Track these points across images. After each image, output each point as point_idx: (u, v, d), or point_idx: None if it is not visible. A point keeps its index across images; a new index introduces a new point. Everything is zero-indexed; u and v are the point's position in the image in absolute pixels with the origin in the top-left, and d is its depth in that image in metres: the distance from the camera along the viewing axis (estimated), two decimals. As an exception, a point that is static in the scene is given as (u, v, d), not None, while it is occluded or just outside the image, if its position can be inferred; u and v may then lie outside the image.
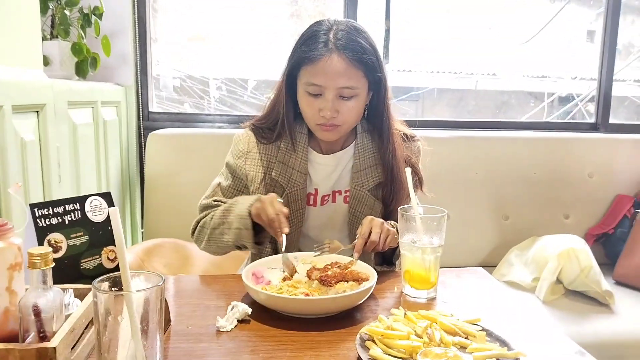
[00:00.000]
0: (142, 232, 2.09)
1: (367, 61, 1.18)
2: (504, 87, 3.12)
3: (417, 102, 3.07)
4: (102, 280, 0.64)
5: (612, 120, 2.54)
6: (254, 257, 1.30)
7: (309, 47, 1.18)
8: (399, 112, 1.38)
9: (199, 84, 2.56)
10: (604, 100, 2.53)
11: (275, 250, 1.25)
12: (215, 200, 1.32)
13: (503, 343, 0.78)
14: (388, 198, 1.30)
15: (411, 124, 1.38)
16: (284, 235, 1.11)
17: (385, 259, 1.32)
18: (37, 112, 1.29)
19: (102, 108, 1.80)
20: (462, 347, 0.76)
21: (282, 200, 1.18)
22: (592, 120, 2.58)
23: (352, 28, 1.20)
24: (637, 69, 2.97)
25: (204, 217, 1.30)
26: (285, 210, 1.14)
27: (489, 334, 0.81)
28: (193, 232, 1.33)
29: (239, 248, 1.25)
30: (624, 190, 2.30)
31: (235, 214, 1.20)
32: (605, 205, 2.30)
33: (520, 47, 2.85)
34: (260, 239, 1.22)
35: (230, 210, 1.22)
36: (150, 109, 2.26)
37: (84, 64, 1.81)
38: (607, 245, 2.24)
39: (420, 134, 1.40)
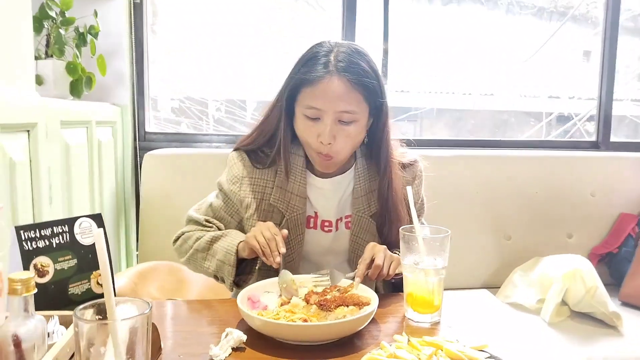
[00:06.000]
0: (137, 255, 2.05)
1: (368, 85, 1.14)
2: (502, 106, 3.12)
3: (415, 122, 3.06)
4: (86, 308, 0.60)
5: (613, 139, 2.53)
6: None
7: (308, 68, 1.14)
8: (398, 132, 1.35)
9: (197, 104, 2.55)
10: (605, 118, 2.52)
11: (267, 275, 1.20)
12: (206, 220, 1.29)
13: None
14: (383, 229, 1.25)
15: (410, 143, 1.35)
16: (281, 256, 1.07)
17: (396, 289, 1.28)
18: (28, 131, 1.26)
19: (97, 128, 1.77)
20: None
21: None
22: (593, 138, 2.57)
23: (353, 51, 1.16)
24: (634, 89, 2.97)
25: (190, 231, 1.29)
26: (284, 232, 1.12)
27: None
28: (175, 241, 1.32)
29: (217, 278, 1.24)
30: (627, 208, 2.27)
31: (222, 245, 1.19)
32: (608, 224, 2.28)
33: (518, 66, 2.85)
34: (240, 279, 1.22)
35: (218, 239, 1.21)
36: (146, 129, 2.24)
37: (79, 84, 1.79)
38: (611, 265, 2.20)
39: (419, 153, 1.37)
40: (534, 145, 2.51)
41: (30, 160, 1.26)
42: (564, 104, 2.96)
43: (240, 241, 1.17)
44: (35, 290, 0.68)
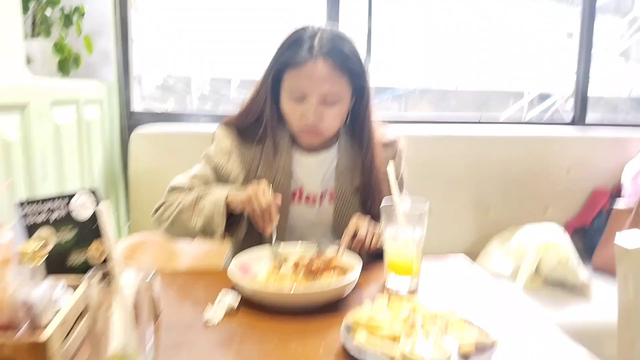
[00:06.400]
0: (128, 231, 2.09)
1: (351, 68, 1.20)
2: (484, 87, 3.18)
3: (399, 101, 3.12)
4: (94, 274, 0.65)
5: (588, 118, 2.61)
6: (236, 250, 1.31)
7: (293, 51, 1.19)
8: (382, 111, 1.40)
9: (181, 82, 2.57)
10: (582, 97, 2.59)
11: (258, 242, 1.25)
12: (189, 188, 1.29)
13: (482, 330, 0.81)
14: (366, 203, 1.31)
15: (392, 122, 1.40)
16: (274, 227, 1.12)
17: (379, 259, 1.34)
18: (21, 110, 1.29)
19: (85, 107, 1.80)
20: (443, 334, 0.79)
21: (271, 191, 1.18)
22: (570, 117, 2.65)
23: (336, 35, 1.21)
24: (610, 68, 3.05)
25: (170, 199, 1.28)
26: (278, 201, 1.14)
27: (468, 321, 0.84)
28: (155, 212, 1.29)
29: (204, 235, 1.22)
30: (601, 184, 2.36)
31: (209, 200, 1.19)
32: (582, 199, 2.37)
33: (500, 46, 2.91)
34: (229, 231, 1.21)
35: (204, 196, 1.21)
36: (133, 108, 2.26)
37: (66, 63, 1.81)
38: (584, 238, 2.30)
39: (401, 130, 1.43)
40: (513, 123, 2.58)
41: (24, 139, 1.29)
42: (546, 83, 3.03)
43: (228, 194, 1.17)
44: (44, 259, 0.73)
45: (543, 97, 3.20)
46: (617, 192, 2.32)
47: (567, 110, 2.76)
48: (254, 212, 1.13)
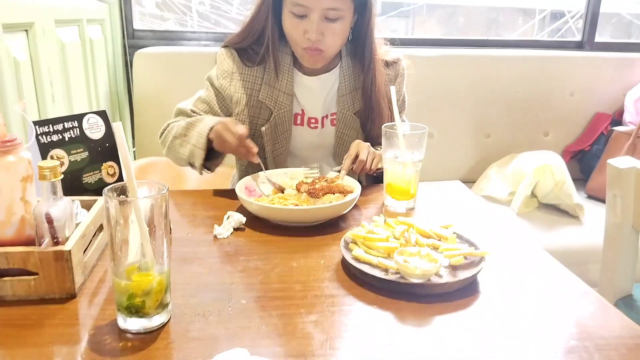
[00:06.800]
0: (134, 151, 2.14)
1: None
2: (495, 3, 3.07)
3: (407, 18, 3.03)
4: (111, 190, 0.70)
5: (597, 38, 2.56)
6: (241, 174, 1.36)
7: None
8: (389, 29, 1.39)
9: (182, 1, 2.51)
10: (592, 17, 2.52)
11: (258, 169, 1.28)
12: (193, 111, 1.32)
13: (471, 244, 0.87)
14: (366, 125, 1.33)
15: (394, 42, 1.39)
16: (258, 156, 1.15)
17: (378, 182, 1.39)
18: (27, 30, 1.29)
19: (87, 26, 1.78)
20: (435, 248, 0.85)
21: (238, 121, 1.18)
22: (579, 38, 2.59)
23: None
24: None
25: (174, 122, 1.29)
26: (244, 130, 1.12)
27: (460, 237, 0.90)
28: (161, 135, 1.31)
29: (191, 165, 1.24)
30: (604, 108, 2.37)
31: (196, 130, 1.20)
32: (584, 123, 2.38)
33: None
34: (210, 164, 1.22)
35: (194, 125, 1.22)
36: (134, 27, 2.23)
37: (66, -21, 1.77)
38: (582, 162, 2.35)
39: (407, 52, 1.42)
40: (520, 45, 2.54)
41: (32, 59, 1.30)
42: (557, 1, 2.93)
43: (212, 126, 1.16)
44: (62, 176, 0.77)
45: (555, 15, 3.09)
46: (619, 116, 2.33)
47: (579, 29, 2.69)
48: (230, 151, 1.15)
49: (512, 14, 3.17)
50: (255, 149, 1.15)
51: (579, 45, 2.57)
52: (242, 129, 1.12)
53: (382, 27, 1.34)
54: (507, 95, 2.30)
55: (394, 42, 1.38)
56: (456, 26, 3.23)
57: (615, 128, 2.22)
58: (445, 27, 3.20)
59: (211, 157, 1.21)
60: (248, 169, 1.36)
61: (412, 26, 3.04)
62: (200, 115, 1.30)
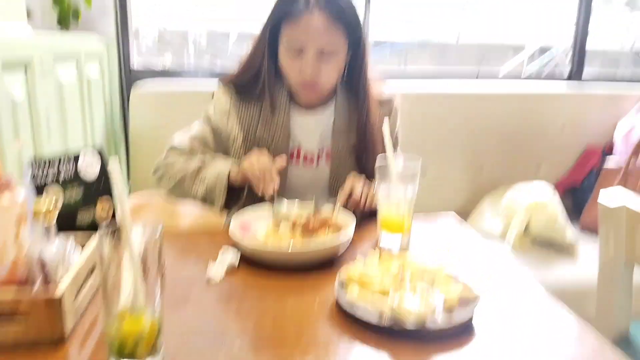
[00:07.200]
0: (129, 188, 2.14)
1: (347, 20, 1.21)
2: (485, 39, 3.14)
3: (399, 56, 3.09)
4: (104, 229, 0.69)
5: (586, 72, 2.60)
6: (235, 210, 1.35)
7: (290, 4, 1.20)
8: (382, 63, 1.41)
9: (179, 37, 2.55)
10: (579, 51, 2.57)
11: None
12: (191, 150, 1.32)
13: (465, 285, 0.87)
14: (361, 159, 1.34)
15: (392, 77, 1.40)
16: (274, 188, 1.16)
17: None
18: (25, 67, 1.30)
19: (85, 63, 1.81)
20: (429, 288, 0.85)
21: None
22: (567, 72, 2.64)
23: None
24: (613, 19, 3.00)
25: (172, 160, 1.31)
26: (278, 164, 1.18)
27: (454, 277, 0.90)
28: (156, 171, 1.33)
29: (204, 203, 1.27)
30: (594, 140, 2.39)
31: (211, 172, 1.23)
32: (574, 157, 2.40)
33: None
34: (229, 204, 1.26)
35: (207, 166, 1.25)
36: (132, 63, 2.26)
37: (66, 16, 1.81)
38: (575, 195, 2.35)
39: (400, 85, 1.43)
40: (510, 79, 2.58)
41: (29, 98, 1.31)
42: (546, 36, 3.00)
43: (231, 168, 1.22)
44: (56, 216, 0.77)
45: (544, 51, 3.16)
46: (608, 150, 2.35)
47: (567, 64, 2.75)
48: (254, 175, 1.17)
49: (502, 50, 3.24)
50: (277, 183, 1.16)
51: (567, 79, 2.61)
52: (278, 160, 1.17)
53: (372, 64, 1.36)
54: (499, 128, 2.32)
55: (393, 76, 1.40)
56: (448, 62, 3.29)
57: (605, 166, 2.24)
58: (437, 63, 3.26)
59: (228, 197, 1.24)
60: (244, 205, 1.35)
61: (404, 61, 3.10)
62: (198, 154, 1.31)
